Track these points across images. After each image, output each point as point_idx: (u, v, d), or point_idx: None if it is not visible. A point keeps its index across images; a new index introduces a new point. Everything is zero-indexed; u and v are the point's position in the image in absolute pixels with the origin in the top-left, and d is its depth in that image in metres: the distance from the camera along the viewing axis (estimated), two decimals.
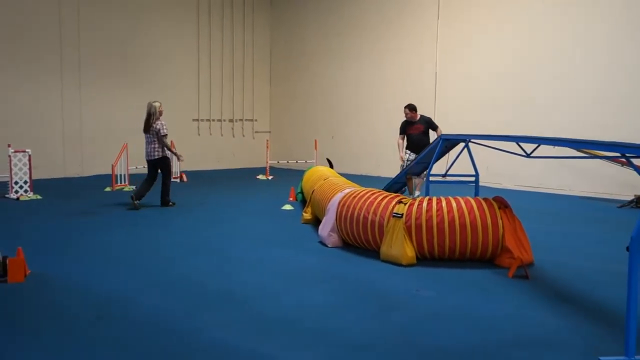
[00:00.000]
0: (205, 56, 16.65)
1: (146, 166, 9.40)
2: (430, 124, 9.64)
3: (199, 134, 16.61)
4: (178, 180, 13.29)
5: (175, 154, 9.60)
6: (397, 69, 14.70)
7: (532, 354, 3.51)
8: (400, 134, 9.68)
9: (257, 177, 14.52)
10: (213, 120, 16.95)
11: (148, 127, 9.08)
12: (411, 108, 9.57)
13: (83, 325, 3.95)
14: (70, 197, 10.41)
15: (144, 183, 9.26)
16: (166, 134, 9.11)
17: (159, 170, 9.28)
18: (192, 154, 15.50)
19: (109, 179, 11.86)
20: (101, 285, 4.89)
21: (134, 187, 11.65)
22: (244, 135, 17.71)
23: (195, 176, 14.30)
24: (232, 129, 17.40)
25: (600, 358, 3.07)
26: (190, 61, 16.37)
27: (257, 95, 18.04)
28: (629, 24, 10.67)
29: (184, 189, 11.93)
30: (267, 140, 16.14)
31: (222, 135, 17.16)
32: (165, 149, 9.17)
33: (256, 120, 18.05)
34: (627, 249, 3.06)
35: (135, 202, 8.95)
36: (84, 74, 14.15)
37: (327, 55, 16.51)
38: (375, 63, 15.26)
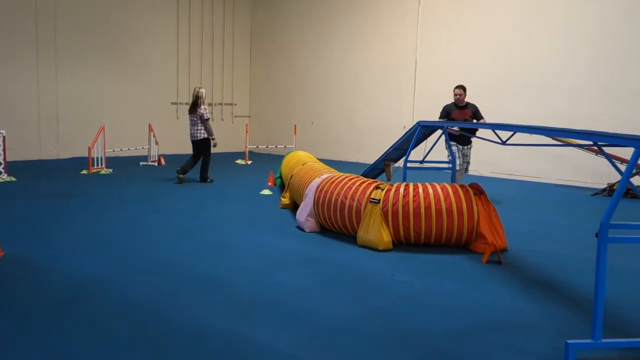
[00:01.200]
0: (185, 39, 16.44)
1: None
2: (477, 113, 8.65)
3: (177, 118, 16.44)
4: (156, 163, 13.18)
5: (213, 138, 10.27)
6: (378, 56, 14.70)
7: (504, 337, 3.59)
8: (442, 118, 8.65)
9: (236, 161, 14.46)
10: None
11: (194, 109, 10.01)
12: (464, 88, 8.60)
13: (57, 306, 3.93)
14: (46, 180, 10.26)
15: (189, 160, 10.28)
16: (209, 118, 10.10)
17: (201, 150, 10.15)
18: (170, 138, 15.39)
19: (85, 161, 11.71)
20: (78, 267, 4.85)
21: (110, 170, 11.53)
22: (223, 120, 17.58)
23: (174, 160, 14.18)
24: (212, 112, 17.25)
25: (568, 341, 3.14)
26: (169, 44, 16.15)
27: (236, 79, 17.90)
28: (611, 16, 10.79)
29: (162, 172, 11.84)
30: (247, 125, 16.04)
31: None
32: (206, 131, 10.05)
33: (235, 104, 17.93)
34: (596, 235, 3.13)
35: (181, 175, 9.98)
36: (61, 51, 13.81)
37: (308, 41, 16.43)
38: (356, 49, 15.23)
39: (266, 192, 9.32)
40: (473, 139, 8.62)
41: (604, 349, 3.28)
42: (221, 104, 17.50)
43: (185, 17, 16.40)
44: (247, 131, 15.17)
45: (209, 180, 10.30)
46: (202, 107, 10.00)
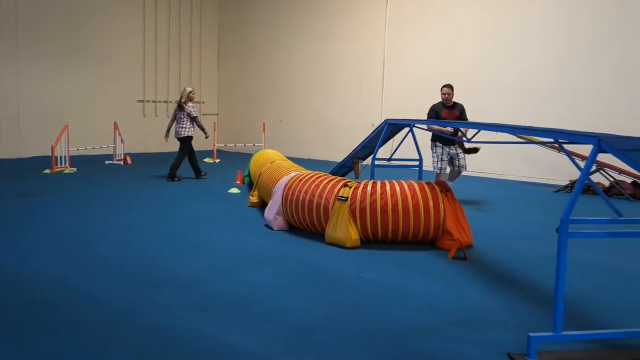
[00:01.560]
0: (152, 36, 16.22)
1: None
2: (463, 114, 8.35)
3: (144, 116, 16.23)
4: (122, 162, 12.97)
5: (205, 131, 10.73)
6: (346, 55, 14.75)
7: (470, 332, 3.65)
8: (430, 119, 8.24)
9: (204, 160, 14.32)
10: (159, 101, 16.58)
11: (179, 107, 10.38)
12: (452, 87, 8.31)
13: (15, 310, 3.83)
14: (8, 179, 10.00)
15: (189, 161, 10.62)
16: (196, 116, 10.43)
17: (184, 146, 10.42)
18: (137, 136, 15.18)
19: (49, 160, 11.45)
20: (38, 269, 4.74)
21: (75, 169, 11.30)
22: None
23: (141, 159, 14.00)
24: None
25: (530, 335, 3.21)
26: (136, 41, 15.91)
27: (205, 77, 17.73)
28: (581, 15, 11.04)
29: (128, 171, 11.66)
30: (215, 123, 15.92)
31: (168, 117, 16.76)
32: (196, 125, 10.45)
33: (204, 102, 17.77)
34: (557, 230, 3.20)
35: (176, 179, 10.28)
36: (23, 48, 13.46)
37: (277, 40, 16.39)
38: (325, 48, 15.25)
39: (235, 190, 9.26)
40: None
41: (564, 341, 3.36)
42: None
43: (152, 14, 16.17)
44: (215, 129, 15.05)
45: (176, 179, 10.30)
46: (189, 104, 10.29)
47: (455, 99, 8.45)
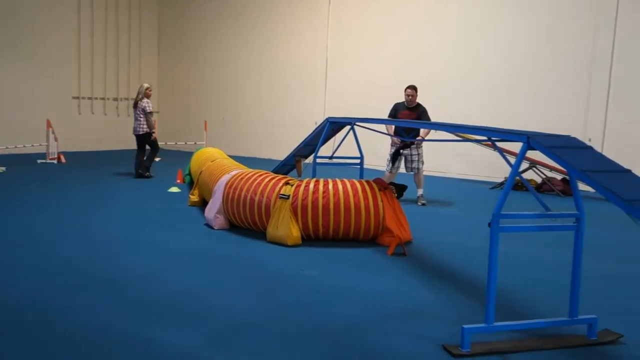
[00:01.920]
0: (87, 30, 15.63)
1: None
2: (422, 116, 8.22)
3: (79, 113, 15.66)
4: (55, 161, 12.49)
5: (152, 132, 10.45)
6: (288, 53, 14.73)
7: (406, 325, 3.72)
8: (390, 117, 8.32)
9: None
10: (95, 98, 16.03)
11: (135, 104, 10.28)
12: (415, 89, 8.21)
13: None
14: None
15: (136, 157, 10.44)
16: (151, 112, 10.31)
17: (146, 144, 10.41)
18: (72, 134, 14.64)
19: None
20: None
21: (4, 168, 10.79)
22: (129, 115, 16.87)
23: (76, 157, 13.51)
24: (117, 108, 16.58)
25: (464, 326, 3.31)
26: (70, 35, 15.31)
27: (143, 74, 17.20)
28: (536, 16, 11.35)
29: (61, 170, 11.24)
30: (155, 121, 15.53)
31: (105, 114, 16.29)
32: (147, 124, 10.29)
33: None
34: (489, 225, 3.31)
35: (147, 174, 10.31)
36: None
37: (219, 36, 16.17)
38: (267, 45, 15.17)
39: (174, 189, 9.09)
40: (381, 136, 8.76)
41: (496, 332, 3.48)
42: (127, 99, 16.81)
43: (88, 7, 15.58)
44: (155, 127, 14.68)
45: (147, 174, 10.34)
46: (144, 100, 10.19)
47: (395, 98, 8.60)
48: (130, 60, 16.77)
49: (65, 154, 13.23)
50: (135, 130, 10.31)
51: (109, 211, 7.27)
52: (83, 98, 15.69)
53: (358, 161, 7.76)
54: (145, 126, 10.20)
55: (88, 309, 3.84)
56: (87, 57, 15.69)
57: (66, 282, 4.40)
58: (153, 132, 10.38)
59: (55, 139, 12.71)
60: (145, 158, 10.47)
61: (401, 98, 8.60)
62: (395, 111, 8.40)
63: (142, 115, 10.18)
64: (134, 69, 16.88)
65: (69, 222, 6.52)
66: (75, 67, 15.48)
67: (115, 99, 16.46)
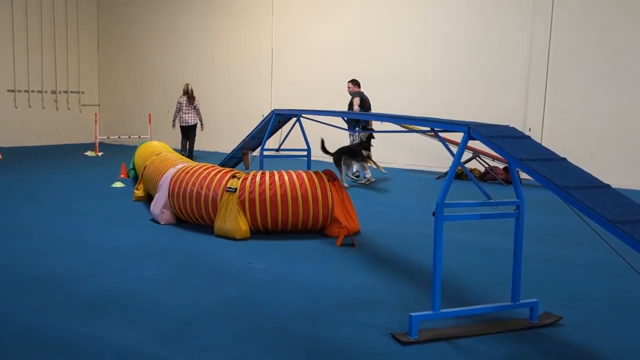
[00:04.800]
0: (22, 20, 14.95)
1: None
2: (350, 104, 9.62)
3: (16, 107, 15.01)
4: None
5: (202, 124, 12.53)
6: (234, 44, 14.55)
7: (354, 314, 3.76)
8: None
9: (85, 153, 13.55)
10: (32, 91, 15.38)
11: (190, 101, 12.24)
12: (352, 81, 9.86)
13: None
14: None
15: (184, 144, 12.39)
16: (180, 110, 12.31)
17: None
18: (8, 128, 14.02)
19: None
20: None
21: None
22: (69, 109, 16.32)
23: (13, 152, 12.95)
24: (56, 101, 15.96)
25: (411, 314, 3.37)
26: (3, 26, 14.60)
27: (83, 66, 16.63)
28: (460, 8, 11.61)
29: None
30: (96, 114, 15.09)
31: (43, 108, 15.66)
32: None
33: (83, 92, 16.70)
34: (433, 214, 3.37)
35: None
36: None
37: (161, 27, 15.79)
38: (212, 37, 14.94)
39: (118, 184, 8.86)
40: (329, 128, 8.84)
41: (443, 318, 3.55)
42: (67, 91, 16.22)
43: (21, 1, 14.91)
44: (96, 121, 14.28)
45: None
46: (197, 100, 12.34)
47: (341, 90, 8.90)
48: (68, 52, 16.14)
49: (1, 149, 12.67)
50: (186, 122, 12.17)
51: (50, 207, 7.02)
52: (19, 91, 15.04)
53: (305, 153, 7.77)
54: (195, 118, 12.27)
55: (26, 308, 3.69)
56: (22, 51, 14.99)
57: (1, 281, 4.22)
58: (202, 124, 12.44)
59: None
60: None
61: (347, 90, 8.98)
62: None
63: (193, 110, 12.23)
64: (72, 61, 16.27)
65: (7, 219, 6.24)
66: (10, 60, 14.78)
67: (54, 92, 15.85)
